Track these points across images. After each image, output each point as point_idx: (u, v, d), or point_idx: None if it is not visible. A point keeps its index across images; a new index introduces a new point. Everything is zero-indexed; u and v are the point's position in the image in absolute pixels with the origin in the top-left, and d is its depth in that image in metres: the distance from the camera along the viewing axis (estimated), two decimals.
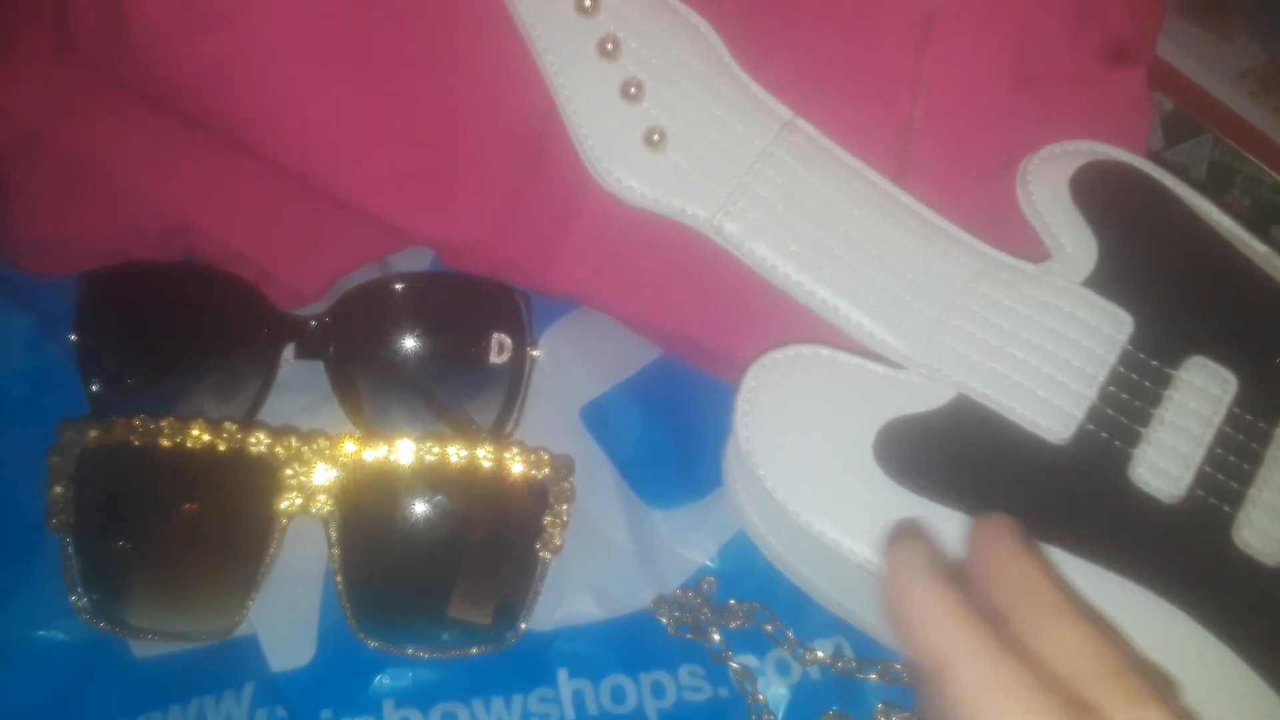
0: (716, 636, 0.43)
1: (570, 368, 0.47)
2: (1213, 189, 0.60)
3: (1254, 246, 0.41)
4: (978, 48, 0.40)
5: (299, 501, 0.39)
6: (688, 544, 0.45)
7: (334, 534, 0.39)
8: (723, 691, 0.42)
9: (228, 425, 0.39)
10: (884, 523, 0.37)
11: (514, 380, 0.45)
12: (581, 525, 0.43)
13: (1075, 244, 0.40)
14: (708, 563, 0.44)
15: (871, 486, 0.37)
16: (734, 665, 0.42)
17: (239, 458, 0.39)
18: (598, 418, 0.46)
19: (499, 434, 0.45)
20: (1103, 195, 0.40)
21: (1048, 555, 0.36)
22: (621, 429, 0.46)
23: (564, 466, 0.42)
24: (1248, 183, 0.58)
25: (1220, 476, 0.37)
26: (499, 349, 0.45)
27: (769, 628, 0.43)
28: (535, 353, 0.46)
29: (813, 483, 0.37)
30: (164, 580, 0.40)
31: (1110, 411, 0.38)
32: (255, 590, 0.40)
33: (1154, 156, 0.63)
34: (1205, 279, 0.40)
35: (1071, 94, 0.41)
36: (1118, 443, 0.38)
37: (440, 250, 0.44)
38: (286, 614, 0.41)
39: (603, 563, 0.44)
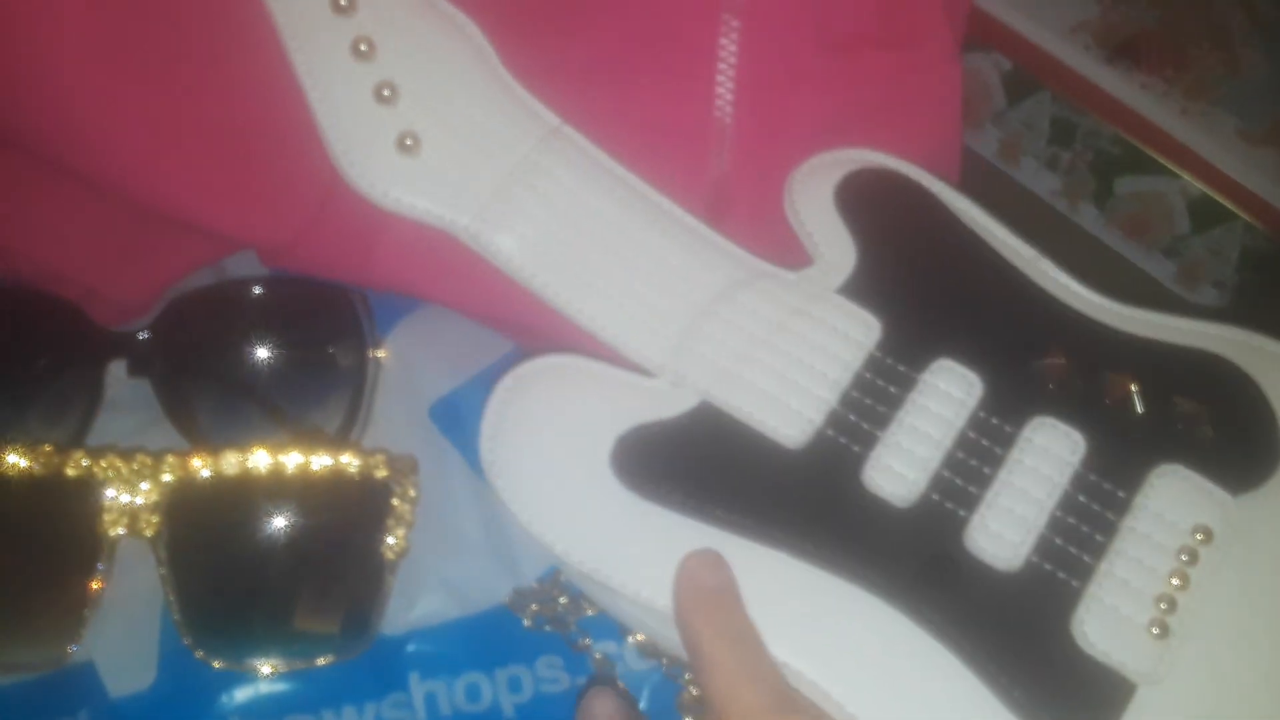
0: (574, 625, 0.42)
1: (418, 366, 0.46)
2: (1056, 144, 0.61)
3: (1020, 251, 0.40)
4: (779, 16, 0.40)
5: (124, 523, 0.38)
6: None
7: (163, 554, 0.38)
8: (581, 680, 0.41)
9: (44, 449, 0.38)
10: (621, 534, 0.36)
11: (356, 383, 0.44)
12: (433, 524, 0.42)
13: (835, 251, 0.39)
14: None
15: (608, 497, 0.36)
16: (595, 654, 0.42)
17: (58, 482, 0.38)
18: (449, 414, 0.46)
19: (345, 439, 0.44)
20: (864, 203, 0.40)
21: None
22: (473, 424, 0.44)
23: (405, 465, 0.41)
24: (1088, 135, 0.59)
25: (957, 480, 0.37)
26: (338, 352, 0.44)
27: None
28: (379, 353, 0.45)
29: (548, 495, 0.37)
30: None
31: (851, 416, 0.37)
32: (87, 617, 0.39)
33: (997, 117, 0.64)
34: (959, 283, 0.40)
35: (883, 56, 0.41)
36: (855, 447, 0.37)
37: (257, 251, 0.43)
38: (125, 638, 0.40)
39: (457, 561, 0.43)
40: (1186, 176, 0.58)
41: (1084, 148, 0.59)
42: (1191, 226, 0.60)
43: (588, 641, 0.42)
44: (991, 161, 0.63)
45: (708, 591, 0.34)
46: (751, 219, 0.42)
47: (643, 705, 0.41)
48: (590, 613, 0.42)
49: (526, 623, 0.42)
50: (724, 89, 0.41)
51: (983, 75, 0.61)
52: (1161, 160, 0.58)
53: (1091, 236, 0.62)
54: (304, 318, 0.44)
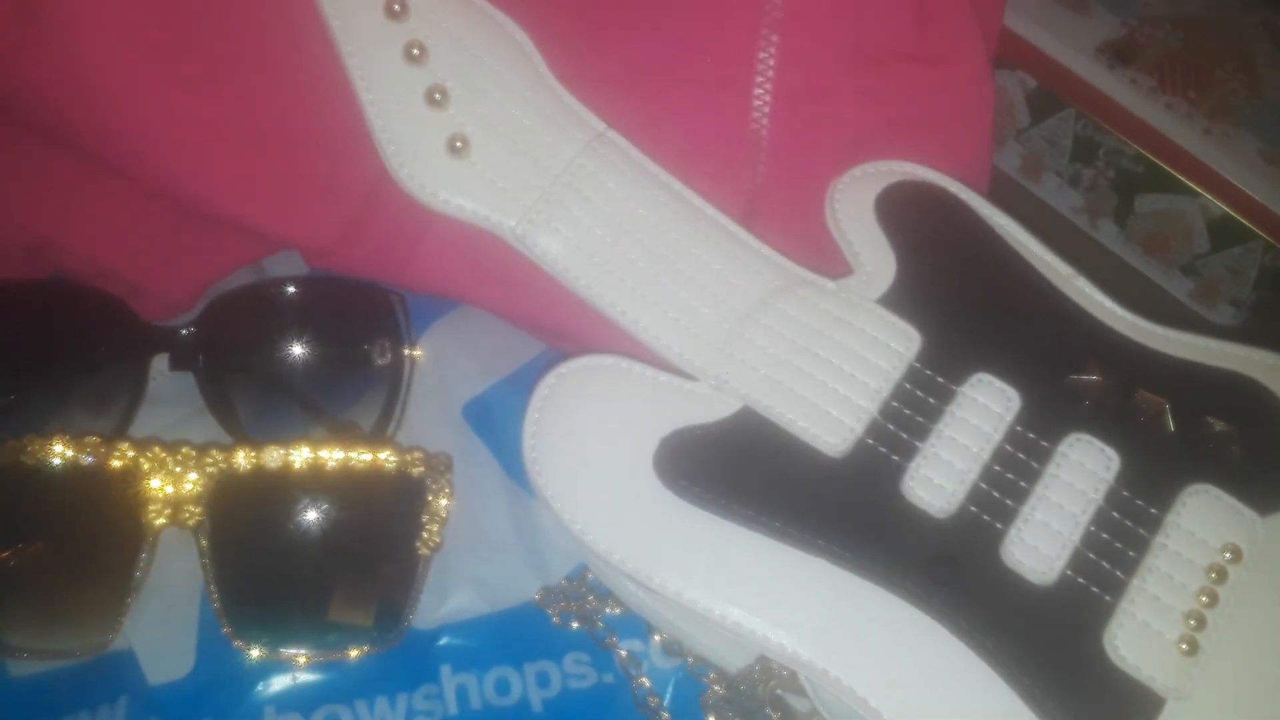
0: (601, 623, 0.43)
1: (452, 366, 0.47)
2: (1078, 162, 0.62)
3: (1057, 268, 0.41)
4: (817, 31, 0.41)
5: (167, 513, 0.39)
6: None
7: (205, 544, 0.39)
8: (608, 678, 0.42)
9: (90, 440, 0.39)
10: (661, 535, 0.37)
11: (393, 381, 0.45)
12: (465, 521, 0.43)
13: (875, 262, 0.40)
14: None
15: (650, 498, 0.37)
16: (619, 651, 0.43)
17: (103, 472, 0.39)
18: (480, 414, 0.47)
19: (380, 436, 0.45)
20: (905, 215, 0.41)
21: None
22: (505, 424, 0.46)
23: (440, 463, 0.42)
24: (1111, 154, 0.60)
25: (995, 493, 0.37)
26: (375, 351, 0.45)
27: None
28: (415, 353, 0.46)
29: (590, 493, 0.37)
30: (36, 599, 0.40)
31: (891, 426, 0.38)
32: (128, 605, 0.39)
33: (1020, 134, 0.65)
34: (997, 298, 0.40)
35: (918, 73, 0.42)
36: (895, 457, 0.37)
37: (301, 251, 0.44)
38: (164, 626, 0.41)
39: (487, 558, 0.44)
40: (1208, 196, 0.58)
41: (1106, 165, 0.60)
42: (1211, 245, 0.60)
43: (614, 639, 0.43)
44: (1014, 177, 0.64)
45: None
46: (785, 229, 0.43)
47: (666, 702, 0.42)
48: (616, 611, 0.43)
49: (555, 620, 0.43)
50: (761, 101, 0.42)
51: (1007, 93, 0.62)
52: (1183, 179, 0.59)
53: (1111, 253, 0.63)
54: (342, 317, 0.45)
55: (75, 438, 0.39)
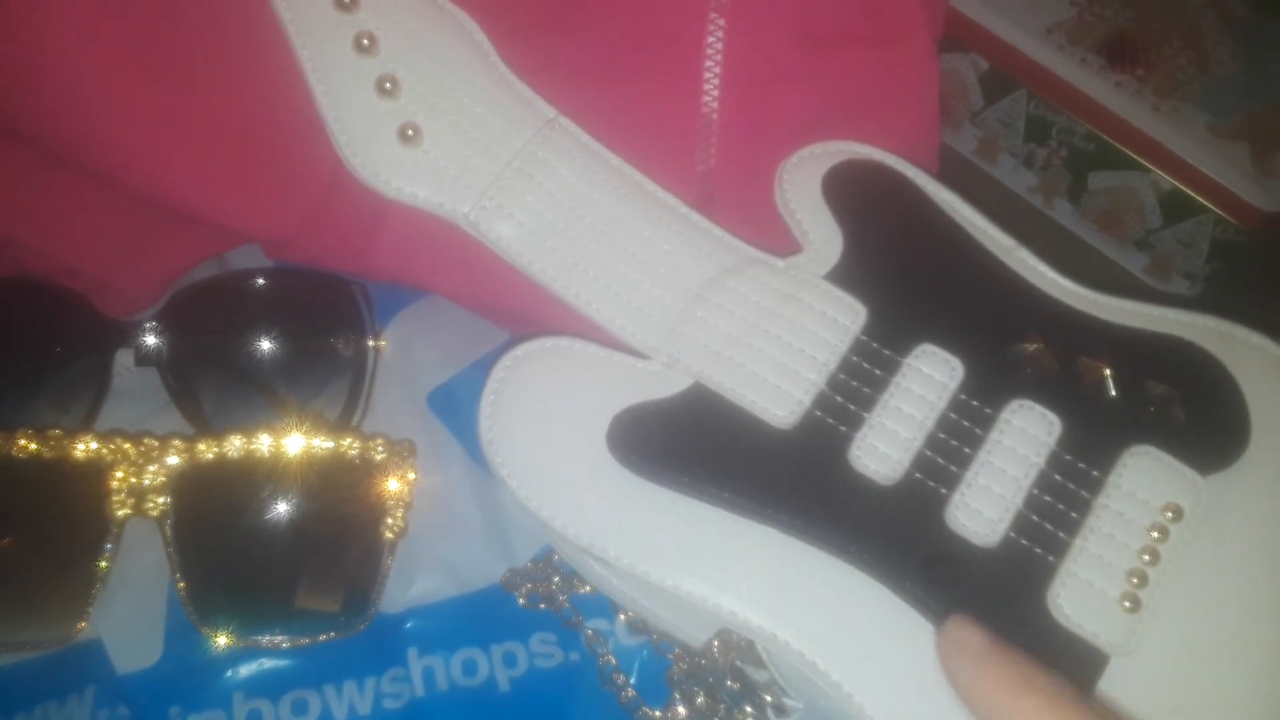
0: (567, 603, 0.44)
1: (416, 355, 0.48)
2: (1032, 141, 0.63)
3: (1000, 240, 0.42)
4: (763, 14, 0.42)
5: (131, 503, 0.39)
6: None
7: (169, 534, 0.40)
8: (574, 656, 0.43)
9: (53, 433, 0.39)
10: (615, 510, 0.38)
11: (356, 371, 0.46)
12: (431, 507, 0.44)
13: (823, 239, 0.41)
14: None
15: (604, 474, 0.38)
16: (585, 630, 0.44)
17: (67, 464, 0.39)
18: (445, 401, 0.47)
19: (346, 425, 0.45)
20: (851, 193, 0.42)
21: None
22: (469, 410, 0.46)
23: (403, 449, 0.42)
24: (1063, 133, 0.61)
25: (940, 459, 0.38)
26: (339, 341, 0.45)
27: None
28: (379, 343, 0.47)
29: (545, 471, 0.38)
30: (2, 591, 0.40)
31: (838, 398, 0.39)
32: (95, 595, 0.40)
33: (975, 117, 0.66)
34: (941, 271, 0.41)
35: (864, 53, 0.43)
36: (842, 428, 0.38)
37: (261, 244, 0.45)
38: (132, 616, 0.41)
39: (453, 542, 0.44)
40: (1158, 171, 0.60)
41: (1059, 144, 0.61)
42: (1163, 220, 0.61)
43: (579, 619, 0.43)
44: (970, 159, 0.65)
45: (978, 648, 0.34)
46: (737, 211, 0.44)
47: (632, 680, 0.43)
48: (582, 591, 0.44)
49: (521, 601, 0.43)
50: (711, 86, 0.43)
51: (961, 76, 0.63)
52: (1134, 156, 0.60)
53: (1067, 231, 0.64)
54: (306, 308, 0.45)
55: (38, 431, 0.39)
